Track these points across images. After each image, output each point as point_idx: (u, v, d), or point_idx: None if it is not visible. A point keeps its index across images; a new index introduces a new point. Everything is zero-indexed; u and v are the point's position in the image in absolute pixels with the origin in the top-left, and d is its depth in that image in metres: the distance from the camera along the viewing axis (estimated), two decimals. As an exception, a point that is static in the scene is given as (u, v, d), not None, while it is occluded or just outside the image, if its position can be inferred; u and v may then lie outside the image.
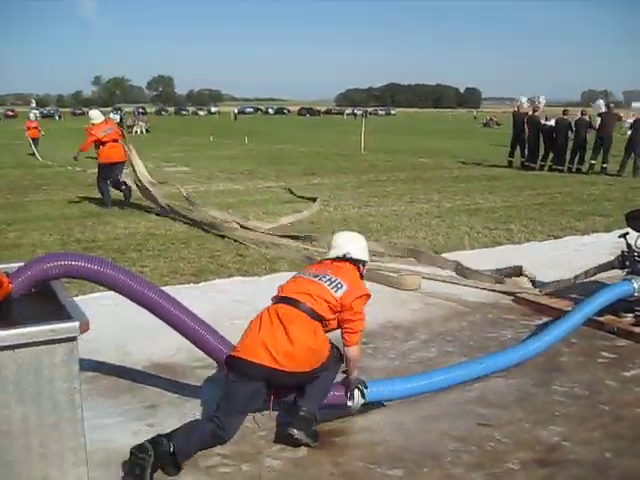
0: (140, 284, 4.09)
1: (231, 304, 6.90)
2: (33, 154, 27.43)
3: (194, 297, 7.08)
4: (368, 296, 4.38)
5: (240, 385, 3.97)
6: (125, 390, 4.85)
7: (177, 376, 5.05)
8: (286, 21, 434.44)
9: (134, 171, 13.73)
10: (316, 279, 4.30)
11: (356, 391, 4.28)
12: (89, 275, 3.93)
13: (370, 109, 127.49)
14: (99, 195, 13.99)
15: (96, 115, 14.59)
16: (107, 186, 13.88)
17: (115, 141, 13.85)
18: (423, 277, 7.82)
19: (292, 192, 15.98)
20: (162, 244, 10.03)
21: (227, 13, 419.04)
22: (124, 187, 13.90)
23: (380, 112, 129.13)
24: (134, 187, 13.85)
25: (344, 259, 4.49)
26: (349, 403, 4.32)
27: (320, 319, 4.13)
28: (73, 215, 12.95)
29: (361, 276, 4.55)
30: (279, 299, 4.32)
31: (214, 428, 3.86)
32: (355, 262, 4.51)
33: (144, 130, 53.29)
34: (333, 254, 4.55)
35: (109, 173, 13.78)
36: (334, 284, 4.24)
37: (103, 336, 5.27)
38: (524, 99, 24.59)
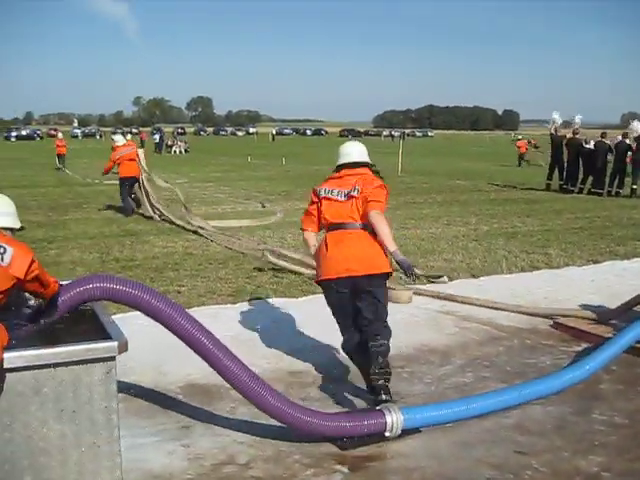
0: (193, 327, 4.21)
1: (269, 324, 6.91)
2: (59, 169, 31.05)
3: (231, 318, 7.15)
4: (384, 186, 5.30)
5: (340, 297, 5.04)
6: (161, 410, 4.86)
7: (212, 396, 5.05)
8: (324, 42, 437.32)
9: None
10: (344, 198, 5.13)
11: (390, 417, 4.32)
12: (132, 302, 3.91)
13: (408, 131, 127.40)
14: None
15: (118, 139, 16.94)
16: (127, 196, 15.96)
17: (131, 160, 15.90)
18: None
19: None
20: (199, 264, 10.10)
21: (266, 34, 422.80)
22: (134, 195, 16.14)
23: (417, 134, 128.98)
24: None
25: (356, 165, 5.32)
26: (387, 434, 4.32)
27: (364, 227, 5.03)
28: (112, 233, 13.12)
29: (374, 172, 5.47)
30: (330, 226, 5.18)
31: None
32: (365, 165, 5.41)
33: (183, 150, 53.84)
34: (344, 161, 5.35)
35: (126, 185, 15.92)
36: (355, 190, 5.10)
37: (140, 355, 5.29)
38: (556, 115, 24.26)
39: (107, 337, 3.33)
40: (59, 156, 34.27)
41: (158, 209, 15.30)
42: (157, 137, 59.65)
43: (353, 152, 5.38)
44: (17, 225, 3.69)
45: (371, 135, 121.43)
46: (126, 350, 3.33)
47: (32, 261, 3.30)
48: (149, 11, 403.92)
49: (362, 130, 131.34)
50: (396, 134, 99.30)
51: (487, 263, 10.39)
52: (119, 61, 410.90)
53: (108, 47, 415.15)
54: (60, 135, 38.31)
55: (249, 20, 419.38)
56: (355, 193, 5.04)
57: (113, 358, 3.26)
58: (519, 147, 41.26)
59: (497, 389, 5.10)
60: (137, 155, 16.15)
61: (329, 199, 5.18)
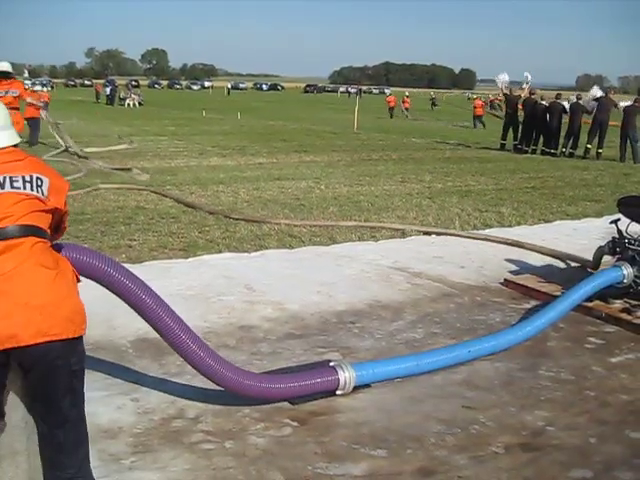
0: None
1: (219, 279, 6.85)
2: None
3: (183, 272, 7.09)
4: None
5: None
6: (110, 364, 4.80)
7: (162, 351, 4.99)
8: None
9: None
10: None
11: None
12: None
13: (364, 88, 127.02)
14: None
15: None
16: None
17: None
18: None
19: None
20: (151, 218, 9.96)
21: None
22: None
23: (374, 91, 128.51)
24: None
25: None
26: (339, 392, 4.34)
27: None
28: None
29: None
30: None
31: None
32: None
33: (137, 103, 53.15)
34: None
35: None
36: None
37: (90, 309, 5.16)
38: (503, 75, 24.40)
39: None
40: None
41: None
42: (108, 90, 58.90)
43: None
44: (19, 139, 3.20)
45: (327, 91, 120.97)
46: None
47: (67, 189, 3.19)
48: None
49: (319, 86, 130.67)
50: (352, 91, 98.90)
51: (440, 221, 10.43)
52: (71, 11, 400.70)
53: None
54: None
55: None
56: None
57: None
58: (475, 107, 40.62)
59: (448, 345, 5.15)
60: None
61: None
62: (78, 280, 3.11)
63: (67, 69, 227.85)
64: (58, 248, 3.23)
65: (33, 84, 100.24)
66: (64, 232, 3.35)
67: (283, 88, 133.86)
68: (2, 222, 2.82)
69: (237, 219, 9.86)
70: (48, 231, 2.99)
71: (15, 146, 3.16)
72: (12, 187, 2.89)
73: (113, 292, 3.70)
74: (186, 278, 6.85)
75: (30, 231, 2.86)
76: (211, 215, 10.17)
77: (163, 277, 6.82)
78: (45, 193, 2.97)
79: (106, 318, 5.48)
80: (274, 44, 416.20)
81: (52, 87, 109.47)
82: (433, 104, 62.92)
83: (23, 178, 2.94)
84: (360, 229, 9.50)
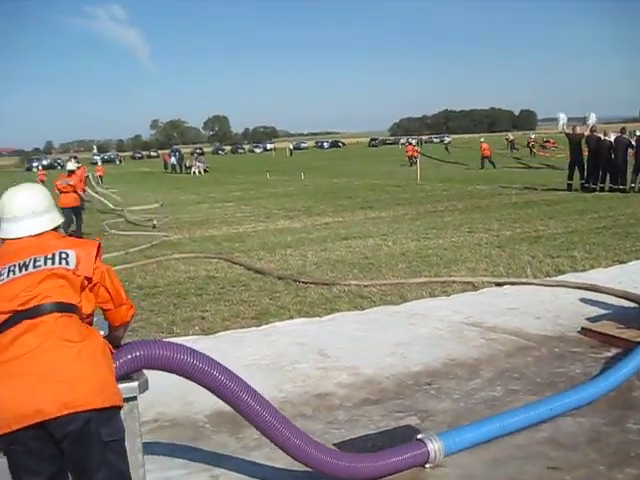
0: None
1: (293, 347, 6.85)
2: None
3: (257, 341, 7.11)
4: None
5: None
6: (188, 441, 4.82)
7: (240, 424, 5.00)
8: (334, 54, 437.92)
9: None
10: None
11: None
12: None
13: (425, 137, 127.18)
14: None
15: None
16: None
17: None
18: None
19: None
20: (222, 287, 10.08)
21: (277, 50, 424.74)
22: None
23: (435, 140, 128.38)
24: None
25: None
26: (428, 466, 4.25)
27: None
28: (134, 259, 13.15)
29: None
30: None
31: None
32: None
33: (202, 171, 54.16)
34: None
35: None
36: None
37: (164, 385, 5.24)
38: (562, 115, 24.29)
39: (127, 377, 3.29)
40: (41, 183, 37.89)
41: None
42: (174, 159, 60.75)
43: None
44: (61, 220, 3.35)
45: (388, 144, 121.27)
46: (147, 389, 3.30)
47: (98, 249, 3.19)
48: (159, 34, 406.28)
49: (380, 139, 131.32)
50: (413, 141, 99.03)
51: (511, 270, 10.27)
52: (134, 86, 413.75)
53: (122, 73, 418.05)
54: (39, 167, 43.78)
55: (258, 36, 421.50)
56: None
57: (134, 398, 3.23)
58: (482, 149, 42.00)
59: (529, 403, 5.01)
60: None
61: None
62: (112, 352, 3.16)
63: (133, 142, 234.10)
64: (127, 347, 3.33)
65: (102, 159, 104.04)
66: (125, 309, 3.31)
67: (344, 144, 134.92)
68: (27, 304, 2.91)
69: (306, 283, 9.89)
70: (76, 302, 3.02)
71: (56, 229, 3.29)
72: (34, 267, 3.00)
73: (190, 379, 3.70)
74: (259, 347, 6.87)
75: (54, 307, 2.93)
76: (281, 280, 10.22)
77: (237, 347, 6.88)
78: (72, 264, 3.04)
79: (181, 394, 5.52)
80: (333, 102, 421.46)
81: (120, 161, 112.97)
82: (512, 147, 62.35)
83: (46, 257, 3.04)
84: (430, 284, 9.42)
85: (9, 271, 3.00)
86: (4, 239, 3.21)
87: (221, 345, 6.93)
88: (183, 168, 58.90)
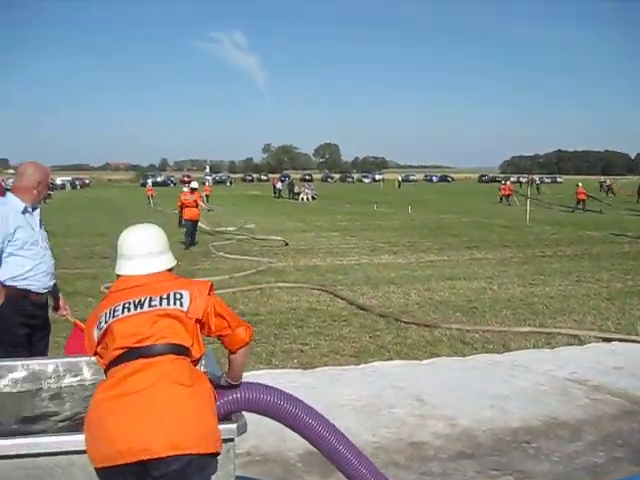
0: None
1: (390, 390, 6.80)
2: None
3: (354, 380, 7.10)
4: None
5: None
6: (278, 479, 4.84)
7: (332, 468, 4.95)
8: (449, 90, 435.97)
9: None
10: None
11: None
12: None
13: (536, 177, 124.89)
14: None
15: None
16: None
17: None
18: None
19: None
20: (323, 321, 10.12)
21: (392, 80, 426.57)
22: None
23: (546, 180, 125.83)
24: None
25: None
26: None
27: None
28: (239, 284, 13.38)
29: None
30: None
31: None
32: None
33: (310, 197, 54.70)
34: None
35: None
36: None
37: (258, 421, 5.28)
38: None
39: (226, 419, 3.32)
40: (150, 196, 49.18)
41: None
42: (282, 184, 62.06)
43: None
44: (174, 262, 3.44)
45: (498, 181, 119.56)
46: (245, 431, 3.32)
47: (210, 288, 3.24)
48: (276, 61, 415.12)
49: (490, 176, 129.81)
50: (523, 180, 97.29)
51: (621, 325, 9.93)
52: (249, 109, 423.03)
53: (239, 96, 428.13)
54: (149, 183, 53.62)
55: (374, 67, 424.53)
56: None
57: (232, 440, 3.25)
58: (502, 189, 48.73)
59: (633, 475, 4.82)
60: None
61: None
62: (216, 399, 3.19)
63: (245, 164, 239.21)
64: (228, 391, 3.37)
65: (213, 179, 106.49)
66: (242, 332, 3.28)
67: (453, 179, 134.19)
68: (142, 342, 3.00)
69: (408, 323, 9.82)
70: (188, 344, 3.07)
71: (170, 270, 3.38)
72: (149, 306, 3.08)
73: (288, 427, 3.68)
74: (357, 387, 6.85)
75: (169, 349, 3.00)
76: (382, 318, 10.19)
77: (334, 385, 6.89)
78: (185, 306, 3.10)
79: (276, 428, 5.52)
80: (444, 135, 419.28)
81: (231, 182, 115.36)
82: (610, 191, 60.85)
83: (161, 297, 3.12)
84: (535, 335, 9.20)
85: (124, 307, 3.10)
86: (119, 275, 3.34)
87: (319, 382, 6.95)
88: (292, 194, 59.80)
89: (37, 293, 5.12)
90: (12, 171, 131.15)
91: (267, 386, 3.52)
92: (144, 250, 3.29)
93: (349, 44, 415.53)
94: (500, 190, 52.15)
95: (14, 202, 5.03)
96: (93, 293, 12.27)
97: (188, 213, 21.35)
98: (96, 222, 30.76)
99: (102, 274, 14.57)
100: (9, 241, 4.88)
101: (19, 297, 4.96)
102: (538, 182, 68.86)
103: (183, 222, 22.72)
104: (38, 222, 5.22)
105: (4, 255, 4.88)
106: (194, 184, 23.87)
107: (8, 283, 4.90)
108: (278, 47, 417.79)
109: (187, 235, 20.91)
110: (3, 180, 56.98)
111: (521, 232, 25.64)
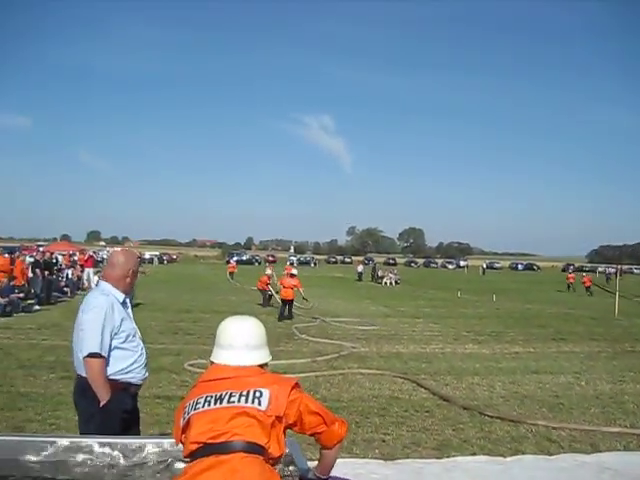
0: None
1: (473, 487, 6.65)
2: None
3: (436, 475, 6.98)
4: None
5: None
6: None
7: None
8: (535, 177, 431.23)
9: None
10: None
11: None
12: None
13: (624, 267, 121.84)
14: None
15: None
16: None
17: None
18: None
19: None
20: (405, 410, 9.97)
21: (476, 168, 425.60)
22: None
23: (635, 271, 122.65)
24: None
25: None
26: None
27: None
28: (320, 368, 13.37)
29: None
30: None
31: None
32: None
33: (394, 282, 54.61)
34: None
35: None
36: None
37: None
38: None
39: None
40: (230, 273, 53.41)
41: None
42: (361, 268, 62.73)
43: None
44: (269, 357, 3.51)
45: (585, 271, 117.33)
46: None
47: (293, 387, 3.25)
48: (363, 146, 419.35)
49: (576, 265, 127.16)
50: (611, 270, 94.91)
51: None
52: (335, 192, 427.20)
53: (326, 179, 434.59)
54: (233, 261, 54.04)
55: (459, 154, 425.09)
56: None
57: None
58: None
59: None
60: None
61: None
62: None
63: (329, 246, 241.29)
64: None
65: (298, 260, 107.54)
66: (337, 427, 3.32)
67: (539, 268, 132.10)
68: (216, 439, 3.04)
69: (492, 417, 9.61)
70: (263, 443, 3.07)
71: (262, 365, 3.42)
72: (228, 402, 3.13)
73: None
74: (439, 482, 6.72)
75: (242, 447, 3.02)
76: (466, 410, 10.00)
77: (415, 479, 6.77)
78: (264, 404, 3.12)
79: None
80: (530, 222, 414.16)
81: (315, 264, 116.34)
82: None
83: (240, 393, 3.16)
84: (626, 436, 8.87)
85: (205, 401, 3.19)
86: (212, 362, 3.42)
87: (400, 475, 6.86)
88: (374, 277, 59.94)
89: (136, 385, 5.14)
90: (103, 243, 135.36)
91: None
92: (242, 342, 3.38)
93: (433, 131, 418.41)
94: (567, 279, 55.50)
95: (114, 292, 5.06)
96: (177, 370, 12.43)
97: (285, 294, 24.02)
98: (181, 297, 31.31)
99: (186, 350, 14.80)
100: (115, 334, 4.89)
101: (120, 391, 4.93)
102: (608, 272, 67.98)
103: (276, 300, 26.00)
104: (131, 312, 5.29)
105: (111, 349, 4.87)
106: (294, 271, 26.13)
107: (113, 377, 4.89)
108: (365, 132, 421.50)
109: (282, 311, 23.59)
110: (95, 252, 58.91)
111: (609, 325, 24.95)
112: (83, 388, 4.83)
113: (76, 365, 4.96)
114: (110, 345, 4.85)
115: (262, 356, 3.44)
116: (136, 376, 5.06)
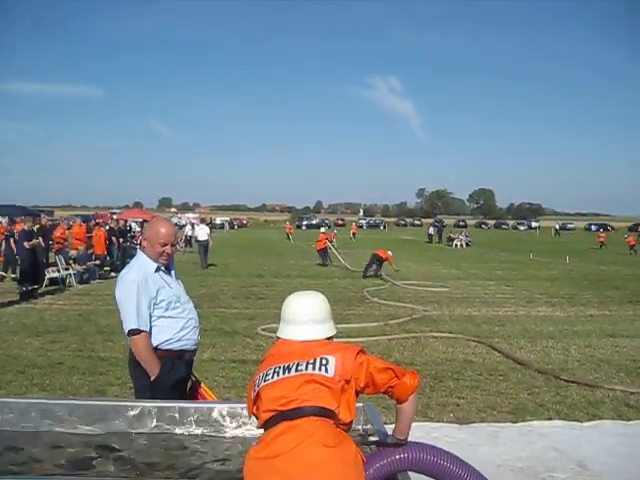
0: None
1: (550, 452, 6.59)
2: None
3: (512, 439, 6.94)
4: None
5: None
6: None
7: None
8: (608, 136, 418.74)
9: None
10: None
11: None
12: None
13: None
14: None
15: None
16: None
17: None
18: None
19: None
20: (479, 374, 9.95)
21: (546, 128, 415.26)
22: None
23: None
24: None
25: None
26: None
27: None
28: (392, 331, 13.42)
29: None
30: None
31: None
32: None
33: (464, 244, 54.16)
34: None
35: None
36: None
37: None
38: None
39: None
40: (288, 234, 61.41)
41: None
42: (431, 229, 62.46)
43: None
44: (334, 331, 3.53)
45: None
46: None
47: (358, 352, 3.29)
48: (432, 107, 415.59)
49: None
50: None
51: None
52: (404, 154, 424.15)
53: (394, 141, 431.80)
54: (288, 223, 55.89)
55: (530, 112, 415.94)
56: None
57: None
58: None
59: None
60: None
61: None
62: (363, 461, 3.19)
63: (398, 208, 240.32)
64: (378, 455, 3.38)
65: (367, 222, 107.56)
66: (407, 378, 3.29)
67: (613, 228, 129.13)
68: (287, 405, 3.11)
69: (568, 381, 9.50)
70: (333, 407, 3.11)
71: (330, 338, 3.47)
72: (296, 371, 3.19)
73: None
74: (514, 447, 6.68)
75: (312, 411, 3.08)
76: (541, 374, 9.91)
77: (491, 443, 6.77)
78: (331, 371, 3.16)
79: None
80: (603, 182, 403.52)
81: (384, 227, 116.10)
82: None
83: (307, 362, 3.21)
84: None
85: (274, 372, 3.25)
86: (279, 337, 3.49)
87: (475, 439, 6.84)
88: (443, 239, 59.62)
89: (190, 351, 5.11)
90: (174, 209, 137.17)
91: (433, 447, 3.50)
92: (306, 317, 3.43)
93: (503, 93, 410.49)
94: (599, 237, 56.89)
95: (147, 262, 4.92)
96: (251, 334, 12.61)
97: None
98: (253, 262, 31.72)
99: (259, 315, 14.98)
100: (155, 304, 4.81)
101: (173, 360, 4.92)
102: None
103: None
104: (174, 277, 5.15)
105: (153, 320, 4.82)
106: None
107: (165, 347, 4.86)
108: (433, 93, 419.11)
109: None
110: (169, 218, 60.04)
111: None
112: (135, 361, 4.85)
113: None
114: (151, 317, 4.80)
115: (327, 330, 3.48)
116: (188, 342, 5.01)
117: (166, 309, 4.87)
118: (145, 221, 52.66)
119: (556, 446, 6.75)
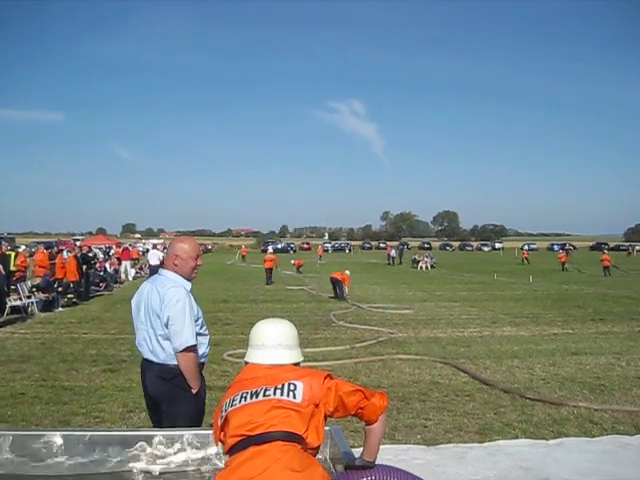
0: None
1: (516, 470, 6.63)
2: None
3: (479, 459, 6.96)
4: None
5: None
6: None
7: None
8: (569, 156, 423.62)
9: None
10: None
11: None
12: None
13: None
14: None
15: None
16: None
17: None
18: None
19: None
20: (446, 395, 10.01)
21: (508, 150, 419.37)
22: None
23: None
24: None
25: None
26: None
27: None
28: (359, 354, 13.44)
29: None
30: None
31: None
32: None
33: (429, 266, 54.50)
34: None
35: None
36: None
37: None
38: None
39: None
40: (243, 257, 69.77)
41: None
42: (393, 252, 63.10)
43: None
44: (301, 357, 3.62)
45: (622, 250, 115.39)
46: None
47: (325, 377, 3.33)
48: (395, 130, 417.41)
49: (612, 245, 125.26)
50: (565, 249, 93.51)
51: None
52: (369, 177, 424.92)
53: (358, 164, 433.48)
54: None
55: (491, 135, 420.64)
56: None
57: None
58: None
59: None
60: None
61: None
62: None
63: (364, 231, 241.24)
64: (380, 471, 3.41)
65: (332, 246, 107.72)
66: (376, 400, 3.35)
67: (576, 248, 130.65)
68: (254, 430, 3.12)
69: (533, 400, 9.59)
70: (300, 432, 3.14)
71: (295, 365, 3.52)
72: (264, 396, 3.22)
73: None
74: (481, 467, 6.71)
75: (279, 436, 3.10)
76: (506, 394, 9.99)
77: (458, 464, 6.78)
78: (299, 396, 3.20)
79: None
80: (565, 202, 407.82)
81: (350, 250, 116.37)
82: None
83: (275, 387, 3.25)
84: (670, 417, 8.81)
85: (241, 397, 3.29)
86: (247, 362, 3.53)
87: (443, 460, 6.87)
88: (404, 261, 60.36)
89: (204, 364, 5.33)
90: (138, 235, 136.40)
91: (400, 470, 3.54)
92: (275, 342, 3.50)
93: (467, 113, 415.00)
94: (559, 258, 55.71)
95: (183, 282, 5.16)
96: (217, 360, 12.54)
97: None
98: (218, 288, 31.55)
99: (225, 341, 14.92)
100: (195, 322, 5.01)
101: (201, 373, 5.19)
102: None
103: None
104: None
105: None
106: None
107: (199, 362, 5.11)
108: (396, 116, 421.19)
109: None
110: (131, 245, 59.67)
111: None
112: (163, 377, 4.97)
113: (151, 354, 5.06)
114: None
115: (295, 356, 3.56)
116: (204, 359, 5.26)
117: (201, 327, 5.12)
118: (109, 247, 52.35)
119: (522, 464, 6.79)
